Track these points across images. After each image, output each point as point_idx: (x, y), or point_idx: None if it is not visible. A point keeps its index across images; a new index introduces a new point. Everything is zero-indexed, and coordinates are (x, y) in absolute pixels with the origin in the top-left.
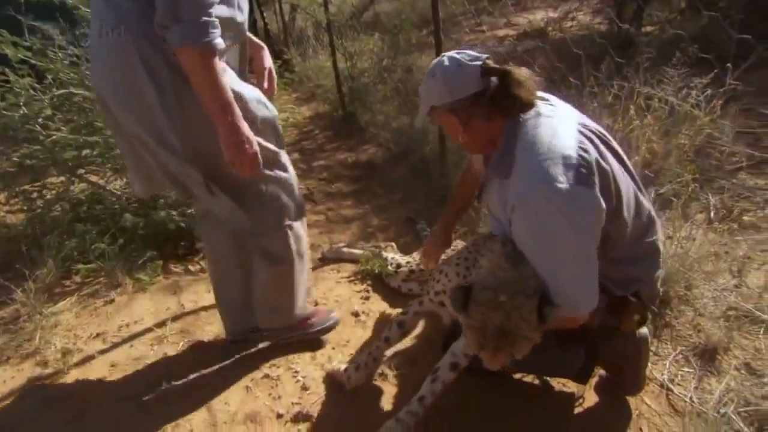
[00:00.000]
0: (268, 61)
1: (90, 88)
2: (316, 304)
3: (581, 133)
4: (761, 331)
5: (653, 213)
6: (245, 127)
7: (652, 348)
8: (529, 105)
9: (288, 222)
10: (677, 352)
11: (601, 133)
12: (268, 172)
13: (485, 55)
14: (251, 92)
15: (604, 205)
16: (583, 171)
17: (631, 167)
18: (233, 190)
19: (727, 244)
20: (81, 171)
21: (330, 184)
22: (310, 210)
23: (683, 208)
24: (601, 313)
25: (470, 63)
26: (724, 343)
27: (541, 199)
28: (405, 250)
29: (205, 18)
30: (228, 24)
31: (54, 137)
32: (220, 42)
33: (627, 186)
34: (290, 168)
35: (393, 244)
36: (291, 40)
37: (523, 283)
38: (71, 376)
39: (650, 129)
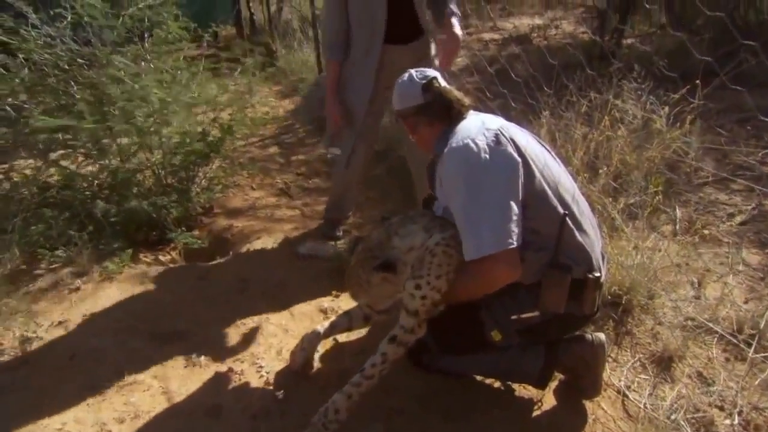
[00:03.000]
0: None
1: (64, 71)
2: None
3: (508, 127)
4: (714, 341)
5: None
6: (329, 101)
7: (612, 355)
8: (461, 114)
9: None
10: (635, 359)
11: (534, 134)
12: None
13: (433, 75)
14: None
15: (518, 158)
16: (500, 138)
17: (563, 168)
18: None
19: (689, 256)
20: (52, 155)
21: (307, 179)
22: (286, 205)
23: (649, 220)
24: (562, 299)
25: (418, 81)
26: (679, 352)
27: (463, 151)
28: None
29: (327, 43)
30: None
31: (27, 118)
32: (331, 56)
33: (561, 178)
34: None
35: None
36: (276, 33)
37: (381, 248)
38: (29, 365)
39: (623, 141)
